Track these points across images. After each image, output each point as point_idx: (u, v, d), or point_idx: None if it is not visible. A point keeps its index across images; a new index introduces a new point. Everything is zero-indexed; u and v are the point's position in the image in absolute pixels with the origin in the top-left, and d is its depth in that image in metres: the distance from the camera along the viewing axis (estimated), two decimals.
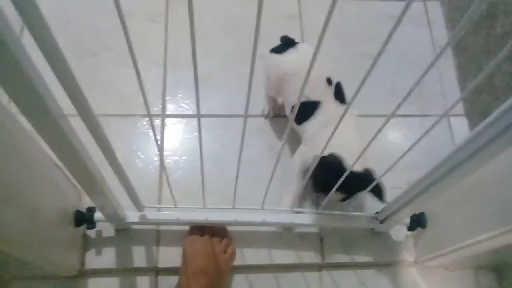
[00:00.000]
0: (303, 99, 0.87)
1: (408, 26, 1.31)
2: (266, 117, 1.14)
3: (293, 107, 0.65)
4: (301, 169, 0.96)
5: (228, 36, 1.25)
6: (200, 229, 0.96)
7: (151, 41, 1.22)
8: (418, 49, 1.28)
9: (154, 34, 1.23)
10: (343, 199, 0.86)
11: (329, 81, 0.92)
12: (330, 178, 0.75)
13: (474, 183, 0.79)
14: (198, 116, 0.54)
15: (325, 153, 0.77)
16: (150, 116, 0.55)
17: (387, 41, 0.40)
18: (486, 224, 0.76)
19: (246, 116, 0.54)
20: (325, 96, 0.91)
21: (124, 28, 0.40)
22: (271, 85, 1.01)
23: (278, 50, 0.97)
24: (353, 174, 0.74)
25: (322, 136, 0.83)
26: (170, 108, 1.14)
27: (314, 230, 1.02)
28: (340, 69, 1.17)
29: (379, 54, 0.42)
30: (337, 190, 0.74)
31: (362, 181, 0.80)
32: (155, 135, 0.61)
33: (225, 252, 0.95)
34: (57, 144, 0.56)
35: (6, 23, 0.36)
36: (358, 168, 0.81)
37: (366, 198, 0.96)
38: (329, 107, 0.91)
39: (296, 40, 0.99)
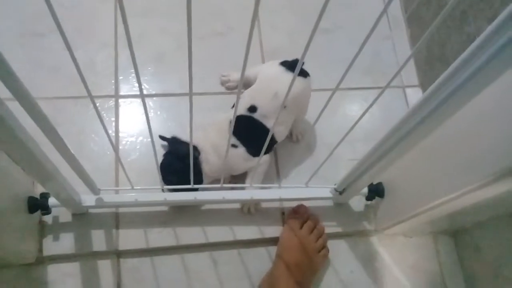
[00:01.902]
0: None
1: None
2: (228, 87, 1.14)
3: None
4: None
5: (182, 13, 1.21)
6: (304, 217, 0.97)
7: (101, 19, 1.17)
8: (373, 22, 1.28)
9: (105, 12, 1.18)
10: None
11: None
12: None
13: (427, 151, 0.80)
14: (142, 96, 0.53)
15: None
16: (92, 99, 0.53)
17: (320, 15, 0.39)
18: (440, 189, 0.78)
19: (191, 94, 0.52)
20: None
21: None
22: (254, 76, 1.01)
23: (288, 66, 0.96)
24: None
25: None
26: (124, 89, 1.11)
27: (275, 204, 1.02)
28: (298, 44, 1.17)
29: (315, 28, 0.42)
30: None
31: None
32: (101, 119, 0.59)
33: (319, 252, 0.96)
34: None
35: None
36: None
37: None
38: None
39: (306, 72, 0.98)
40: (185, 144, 0.92)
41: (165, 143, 0.98)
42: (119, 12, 1.16)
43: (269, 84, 0.95)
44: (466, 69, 0.49)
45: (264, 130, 0.93)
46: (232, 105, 1.01)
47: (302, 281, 0.91)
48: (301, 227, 0.96)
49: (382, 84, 1.16)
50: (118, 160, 0.71)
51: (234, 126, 0.63)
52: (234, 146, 0.93)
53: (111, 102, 1.09)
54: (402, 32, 1.28)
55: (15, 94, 0.48)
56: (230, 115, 0.94)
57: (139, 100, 1.10)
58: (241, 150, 0.93)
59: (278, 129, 0.96)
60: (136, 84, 1.11)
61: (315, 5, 1.35)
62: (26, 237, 0.89)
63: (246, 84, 1.01)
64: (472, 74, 0.48)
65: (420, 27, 1.22)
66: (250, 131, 0.93)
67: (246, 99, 0.94)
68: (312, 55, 0.48)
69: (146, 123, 1.05)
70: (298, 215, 0.97)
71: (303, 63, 0.97)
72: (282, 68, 0.96)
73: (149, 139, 1.05)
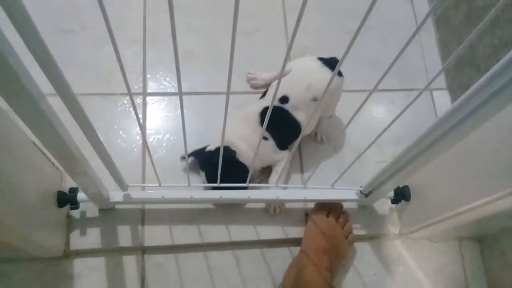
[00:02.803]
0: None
1: (391, 0, 1.30)
2: (253, 85, 1.14)
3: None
4: None
5: (210, 11, 1.23)
6: (327, 209, 0.97)
7: (130, 17, 1.19)
8: (401, 24, 1.27)
9: (133, 9, 1.20)
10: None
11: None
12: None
13: (456, 155, 0.79)
14: (180, 94, 0.53)
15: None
16: (130, 95, 0.54)
17: (365, 18, 0.39)
18: (468, 195, 0.77)
19: (228, 93, 0.53)
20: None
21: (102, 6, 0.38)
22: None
23: (325, 61, 0.97)
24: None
25: None
26: (152, 86, 1.12)
27: (299, 205, 1.02)
28: (325, 45, 1.17)
29: (358, 30, 0.42)
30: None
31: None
32: (137, 114, 0.59)
33: (346, 238, 0.96)
34: (36, 124, 0.54)
35: None
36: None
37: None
38: None
39: (341, 71, 0.99)
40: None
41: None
42: (148, 10, 1.18)
43: (304, 76, 0.96)
44: (503, 77, 0.48)
45: (294, 123, 0.94)
46: (261, 95, 1.03)
47: (331, 267, 0.91)
48: (327, 216, 0.96)
49: (409, 87, 1.17)
50: (149, 156, 0.72)
51: (265, 118, 0.62)
52: (265, 138, 0.94)
53: (139, 99, 1.10)
54: (431, 35, 1.27)
55: (58, 89, 0.49)
56: (260, 107, 0.95)
57: (166, 98, 1.11)
58: (271, 142, 0.95)
59: (305, 123, 0.96)
60: (164, 82, 1.12)
61: (341, 5, 1.36)
62: (54, 231, 0.90)
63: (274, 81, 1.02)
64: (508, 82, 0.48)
65: (449, 30, 1.21)
66: (279, 123, 0.93)
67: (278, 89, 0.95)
68: (341, 55, 0.48)
69: (172, 121, 1.07)
70: (322, 208, 0.97)
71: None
72: (319, 63, 0.96)
73: (175, 137, 1.06)
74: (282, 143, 0.96)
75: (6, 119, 0.67)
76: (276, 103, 0.94)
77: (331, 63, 0.96)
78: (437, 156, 0.68)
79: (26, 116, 0.52)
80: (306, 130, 0.99)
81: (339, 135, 1.10)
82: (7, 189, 0.66)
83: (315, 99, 0.94)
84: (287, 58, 0.48)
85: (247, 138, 0.94)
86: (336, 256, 0.93)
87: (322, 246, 0.91)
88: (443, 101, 1.18)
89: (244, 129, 0.95)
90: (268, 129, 0.94)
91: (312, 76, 0.95)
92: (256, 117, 0.95)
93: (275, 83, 0.98)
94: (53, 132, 0.56)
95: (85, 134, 0.61)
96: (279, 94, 0.94)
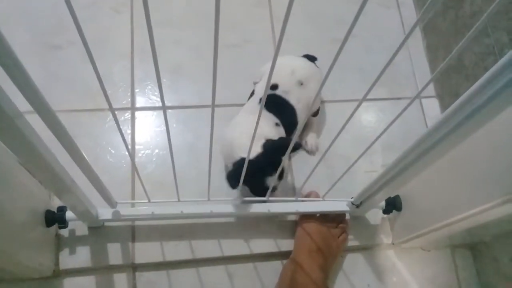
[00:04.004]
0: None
1: (378, 8, 1.31)
2: None
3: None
4: None
5: (198, 24, 1.22)
6: (313, 215, 0.97)
7: (117, 32, 1.18)
8: (388, 31, 1.27)
9: (120, 24, 1.19)
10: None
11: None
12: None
13: (447, 164, 0.79)
14: (164, 108, 0.53)
15: None
16: (113, 112, 0.53)
17: (352, 26, 0.39)
18: (460, 205, 0.77)
19: (213, 106, 0.52)
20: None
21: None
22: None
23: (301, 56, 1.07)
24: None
25: None
26: (140, 101, 1.11)
27: (291, 218, 1.02)
28: (309, 53, 1.16)
29: (345, 40, 0.41)
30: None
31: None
32: (120, 131, 0.59)
33: (339, 237, 0.96)
34: (16, 144, 0.53)
35: None
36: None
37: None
38: None
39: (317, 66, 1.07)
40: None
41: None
42: (135, 24, 1.17)
43: (286, 64, 1.00)
44: (493, 86, 0.48)
45: (289, 106, 0.97)
46: (249, 95, 1.04)
47: (325, 264, 0.91)
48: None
49: (398, 94, 1.17)
50: (136, 173, 0.71)
51: (266, 104, 0.61)
52: (277, 124, 0.95)
53: (127, 114, 1.09)
54: (418, 42, 1.27)
55: (35, 107, 0.48)
56: (256, 98, 0.99)
57: (155, 113, 1.10)
58: (282, 129, 0.96)
59: (297, 107, 0.98)
60: (152, 97, 1.12)
61: (327, 15, 1.36)
62: (43, 250, 0.89)
63: None
64: (500, 90, 0.47)
65: (437, 37, 1.21)
66: (279, 106, 0.96)
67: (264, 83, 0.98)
68: (328, 64, 0.47)
69: (161, 136, 1.07)
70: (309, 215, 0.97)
71: (316, 58, 1.07)
72: (294, 57, 1.06)
73: (164, 152, 1.05)
74: (288, 130, 0.97)
75: None
76: (268, 91, 0.94)
77: (306, 56, 1.06)
78: (427, 166, 0.68)
79: (3, 136, 0.51)
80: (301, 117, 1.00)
81: (329, 146, 1.10)
82: None
83: (300, 83, 0.98)
84: (273, 66, 0.47)
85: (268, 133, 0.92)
86: (329, 253, 0.93)
87: (314, 246, 0.91)
88: (432, 109, 1.18)
89: (266, 128, 0.93)
90: (276, 114, 0.96)
91: (293, 64, 1.01)
92: (257, 107, 0.95)
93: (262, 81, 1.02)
94: (33, 151, 0.55)
95: (68, 151, 0.59)
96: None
